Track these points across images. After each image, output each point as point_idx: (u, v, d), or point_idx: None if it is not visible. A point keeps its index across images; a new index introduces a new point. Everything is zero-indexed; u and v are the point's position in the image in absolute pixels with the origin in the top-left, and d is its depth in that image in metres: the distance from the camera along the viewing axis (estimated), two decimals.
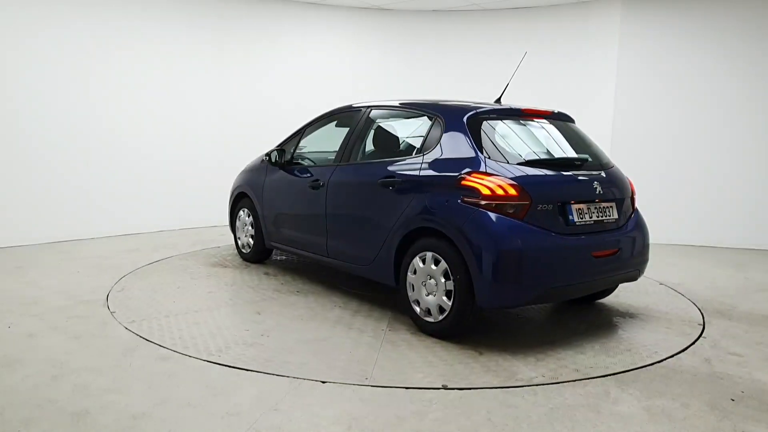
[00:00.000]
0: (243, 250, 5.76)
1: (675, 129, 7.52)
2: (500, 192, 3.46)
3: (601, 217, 3.86)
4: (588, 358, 3.48)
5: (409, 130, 4.43)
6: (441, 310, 3.66)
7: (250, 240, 5.62)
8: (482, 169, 3.57)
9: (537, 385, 3.06)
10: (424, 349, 3.54)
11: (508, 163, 3.66)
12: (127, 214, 7.09)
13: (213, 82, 7.74)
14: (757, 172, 7.31)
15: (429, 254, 3.70)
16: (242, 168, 6.00)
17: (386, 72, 8.47)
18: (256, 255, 5.62)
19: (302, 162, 5.17)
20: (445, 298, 3.62)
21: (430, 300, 3.71)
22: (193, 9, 7.49)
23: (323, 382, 3.02)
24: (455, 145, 3.77)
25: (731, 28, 7.23)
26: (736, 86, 7.28)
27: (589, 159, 4.11)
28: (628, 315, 4.39)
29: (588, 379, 3.17)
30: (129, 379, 3.00)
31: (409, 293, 3.86)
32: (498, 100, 4.52)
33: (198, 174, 7.63)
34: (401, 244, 3.90)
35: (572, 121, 4.49)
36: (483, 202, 3.46)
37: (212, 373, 3.10)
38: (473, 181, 3.55)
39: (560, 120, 4.34)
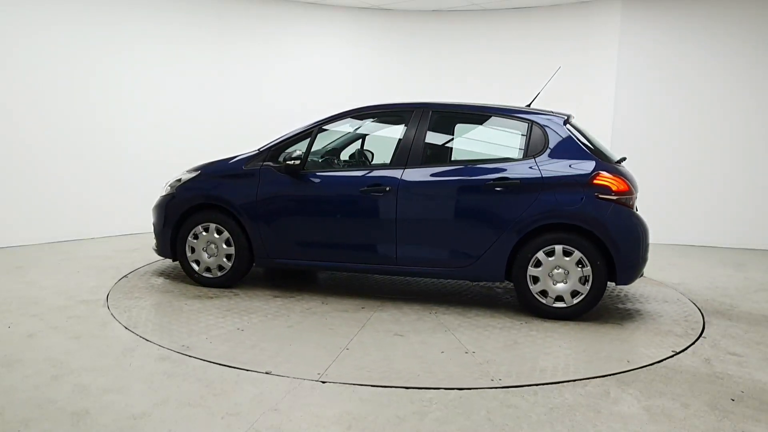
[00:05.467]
0: (205, 275, 4.75)
1: (675, 129, 7.52)
2: (622, 187, 4.12)
3: None
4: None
5: (500, 134, 4.65)
6: (573, 294, 4.12)
7: (225, 261, 4.69)
8: (604, 168, 4.15)
9: (537, 385, 3.06)
10: (595, 333, 3.95)
11: (606, 162, 4.24)
12: (127, 214, 7.09)
13: (212, 83, 7.74)
14: (757, 172, 7.32)
15: (558, 247, 4.11)
16: (186, 172, 4.99)
17: (386, 72, 8.47)
18: (231, 279, 4.73)
19: (330, 166, 4.87)
20: (579, 284, 4.09)
21: (561, 287, 4.14)
22: (192, 9, 7.49)
23: (323, 382, 3.03)
24: (567, 148, 4.24)
25: (731, 27, 7.23)
26: (736, 86, 7.28)
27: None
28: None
29: (588, 379, 3.17)
30: (129, 379, 3.00)
31: (531, 286, 4.18)
32: (528, 106, 4.71)
33: None
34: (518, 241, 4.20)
35: None
36: (615, 198, 4.06)
37: (212, 373, 3.10)
38: (604, 179, 4.11)
39: None
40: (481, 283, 5.20)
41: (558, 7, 7.92)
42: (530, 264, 4.16)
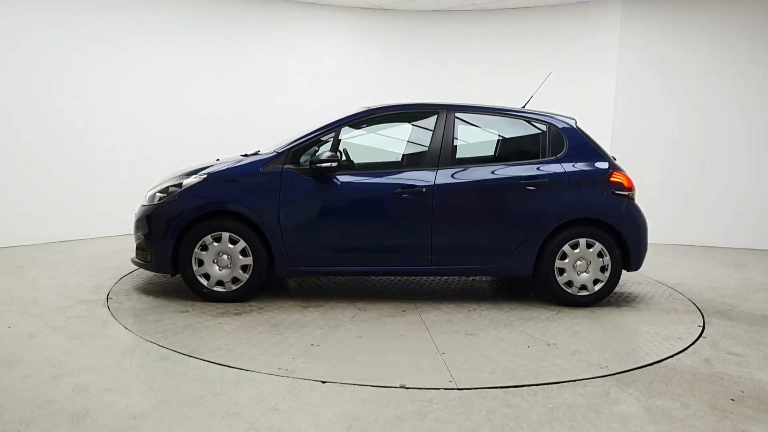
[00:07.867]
0: (216, 289, 4.33)
1: (675, 129, 7.53)
2: (630, 184, 4.57)
3: None
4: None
5: (523, 135, 4.84)
6: (594, 283, 4.51)
7: (241, 273, 4.31)
8: (616, 167, 4.58)
9: (537, 385, 3.07)
10: (622, 317, 4.35)
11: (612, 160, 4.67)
12: (127, 214, 7.06)
13: (212, 83, 7.75)
14: (757, 172, 7.32)
15: (582, 240, 4.47)
16: (183, 176, 4.47)
17: (386, 72, 8.47)
18: (246, 292, 4.35)
19: (355, 168, 4.68)
20: (600, 272, 4.49)
21: (585, 277, 4.51)
22: (192, 9, 7.49)
23: (323, 382, 3.03)
24: (582, 149, 4.59)
25: (731, 27, 7.23)
26: (736, 86, 7.28)
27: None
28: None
29: (588, 379, 3.16)
30: (129, 379, 3.00)
31: (558, 277, 4.49)
32: (523, 107, 4.89)
33: None
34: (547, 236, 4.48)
35: None
36: (627, 193, 4.53)
37: (212, 373, 3.10)
38: (619, 176, 4.55)
39: None
40: (480, 279, 5.20)
41: (558, 7, 7.92)
42: (557, 257, 4.45)
